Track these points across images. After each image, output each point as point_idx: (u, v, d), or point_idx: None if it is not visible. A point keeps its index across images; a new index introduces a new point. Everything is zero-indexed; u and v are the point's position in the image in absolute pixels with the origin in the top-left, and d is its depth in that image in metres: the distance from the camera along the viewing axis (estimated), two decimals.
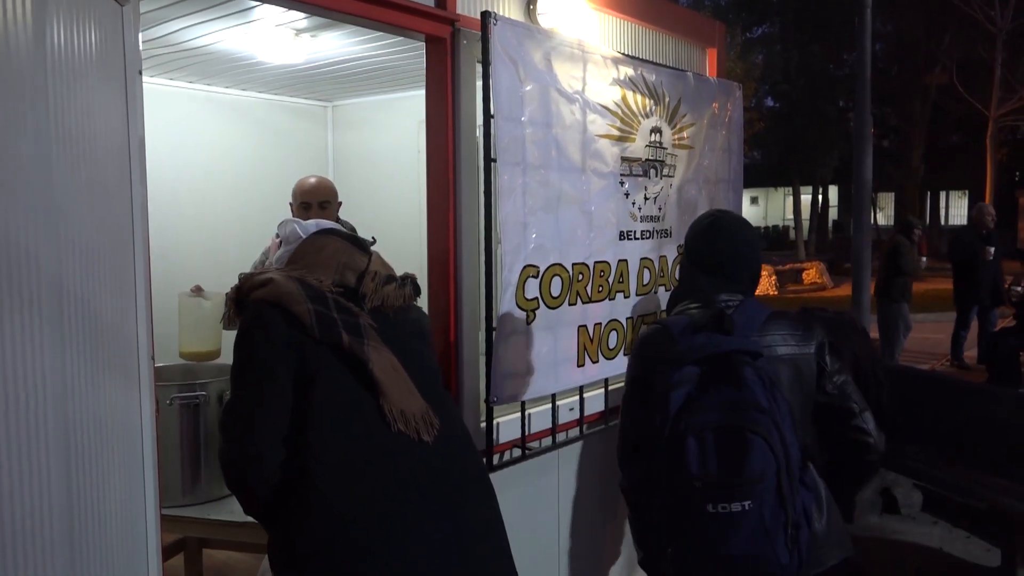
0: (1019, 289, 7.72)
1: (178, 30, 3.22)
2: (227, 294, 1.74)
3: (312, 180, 3.51)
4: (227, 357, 3.33)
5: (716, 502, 1.93)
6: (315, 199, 3.45)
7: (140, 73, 1.75)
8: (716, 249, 2.25)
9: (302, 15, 2.94)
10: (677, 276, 2.65)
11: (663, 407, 1.97)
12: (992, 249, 8.32)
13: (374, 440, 1.63)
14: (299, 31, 3.30)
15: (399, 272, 1.96)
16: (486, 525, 1.77)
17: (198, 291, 3.60)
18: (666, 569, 2.06)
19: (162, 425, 2.88)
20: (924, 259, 8.68)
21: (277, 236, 1.99)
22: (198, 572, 3.61)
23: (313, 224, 1.95)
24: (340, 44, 3.49)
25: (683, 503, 1.95)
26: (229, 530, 3.04)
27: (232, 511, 3.07)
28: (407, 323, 1.87)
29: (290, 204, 3.55)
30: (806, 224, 31.88)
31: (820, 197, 33.47)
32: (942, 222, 34.05)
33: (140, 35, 1.81)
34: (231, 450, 1.63)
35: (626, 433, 2.23)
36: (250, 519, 2.98)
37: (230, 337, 1.78)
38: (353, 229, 3.05)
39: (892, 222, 30.18)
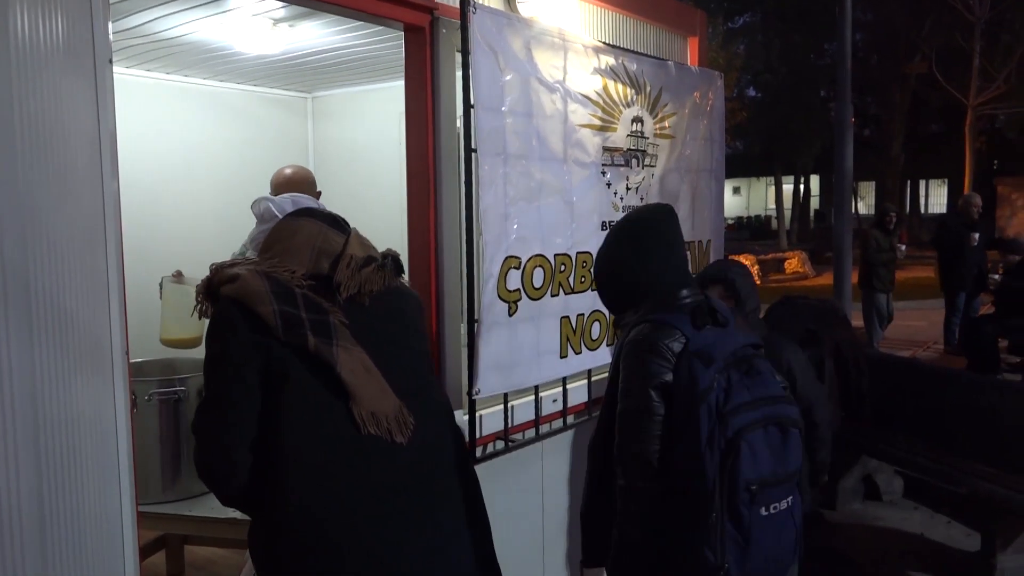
0: (997, 277, 7.80)
1: (152, 20, 3.16)
2: (197, 287, 1.68)
3: (287, 171, 3.42)
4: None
5: (769, 503, 1.85)
6: (288, 191, 3.37)
7: (110, 63, 1.71)
8: (672, 228, 2.14)
9: (279, 4, 2.90)
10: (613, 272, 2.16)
11: (707, 412, 1.83)
12: (977, 235, 8.41)
13: (345, 443, 1.58)
14: (276, 21, 3.25)
15: (383, 247, 1.86)
16: (463, 522, 1.73)
17: (179, 277, 3.54)
18: None
19: (141, 421, 2.85)
20: (903, 247, 8.74)
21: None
22: (180, 569, 3.57)
23: (289, 202, 1.88)
24: (319, 34, 3.45)
25: (736, 510, 1.82)
26: (211, 526, 3.02)
27: (213, 507, 3.05)
28: (386, 309, 1.77)
29: None
30: (788, 214, 32.07)
31: (802, 187, 33.67)
32: (922, 210, 34.36)
33: (111, 24, 1.77)
34: (200, 451, 1.60)
35: (650, 438, 1.91)
36: (232, 514, 2.98)
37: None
38: None
39: (873, 211, 30.38)
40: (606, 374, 3.28)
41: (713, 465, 1.81)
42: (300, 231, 1.75)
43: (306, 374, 1.57)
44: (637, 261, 2.09)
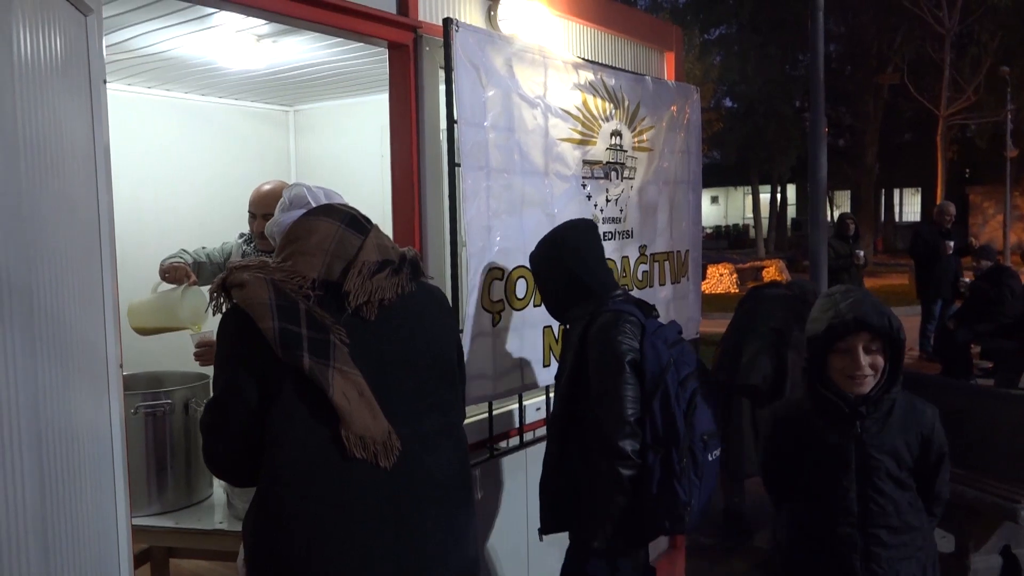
0: (967, 281, 7.95)
1: (136, 36, 3.19)
2: (211, 288, 1.68)
3: (266, 187, 3.31)
4: (185, 357, 3.27)
5: (713, 450, 2.33)
6: (259, 211, 3.26)
7: (104, 83, 1.75)
8: (597, 238, 2.65)
9: (263, 21, 2.94)
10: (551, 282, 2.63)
11: (673, 379, 2.29)
12: (951, 243, 8.57)
13: (330, 464, 1.59)
14: (260, 37, 3.28)
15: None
16: (441, 548, 1.71)
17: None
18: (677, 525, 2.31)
19: (127, 434, 2.85)
20: (861, 253, 8.84)
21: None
22: None
23: (322, 194, 1.86)
24: (302, 50, 3.49)
25: (695, 456, 2.27)
26: (196, 538, 3.02)
27: (200, 519, 3.06)
28: (394, 323, 1.70)
29: None
30: (765, 222, 32.40)
31: (778, 196, 34.04)
32: (897, 219, 34.83)
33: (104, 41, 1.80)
34: (204, 447, 1.66)
35: (628, 409, 2.32)
36: (218, 526, 2.99)
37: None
38: None
39: None
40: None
41: (682, 421, 2.26)
42: (316, 231, 1.70)
43: (300, 391, 1.57)
44: (578, 264, 2.52)
